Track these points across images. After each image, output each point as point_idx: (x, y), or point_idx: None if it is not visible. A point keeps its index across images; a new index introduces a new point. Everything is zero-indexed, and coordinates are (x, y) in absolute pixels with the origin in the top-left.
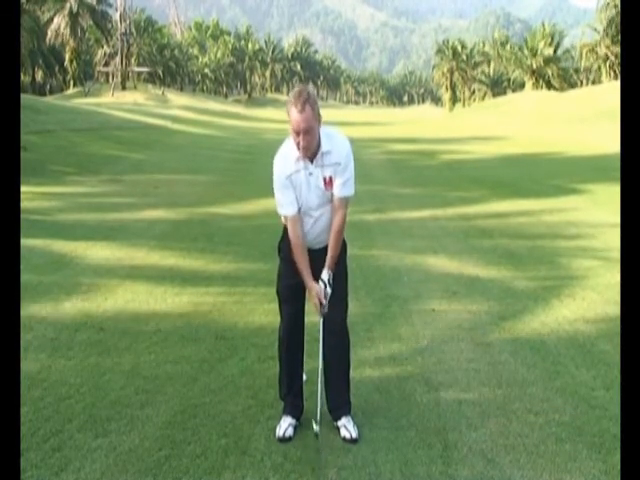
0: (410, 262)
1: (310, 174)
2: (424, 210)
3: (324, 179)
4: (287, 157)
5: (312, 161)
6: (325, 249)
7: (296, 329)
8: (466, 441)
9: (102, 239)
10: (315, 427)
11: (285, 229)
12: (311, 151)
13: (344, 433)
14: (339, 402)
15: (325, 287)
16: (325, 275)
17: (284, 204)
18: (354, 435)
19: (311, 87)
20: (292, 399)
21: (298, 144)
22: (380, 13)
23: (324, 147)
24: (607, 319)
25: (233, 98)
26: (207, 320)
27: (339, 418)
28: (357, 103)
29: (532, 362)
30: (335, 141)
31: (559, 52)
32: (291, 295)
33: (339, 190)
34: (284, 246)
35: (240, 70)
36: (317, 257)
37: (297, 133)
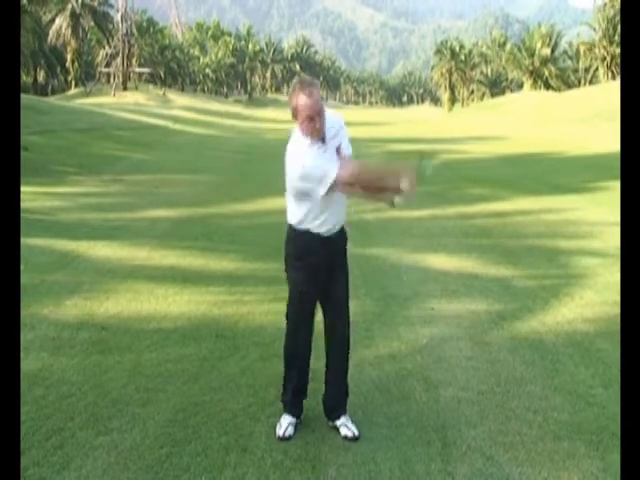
0: (409, 261)
1: (325, 152)
2: (423, 209)
3: (337, 149)
4: (303, 148)
5: (324, 141)
6: (339, 233)
7: (308, 336)
8: (465, 439)
9: (104, 238)
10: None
11: (291, 232)
12: (323, 131)
13: (345, 432)
14: (337, 402)
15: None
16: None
17: (325, 175)
18: (356, 433)
19: None
20: (294, 399)
21: (312, 129)
22: (379, 14)
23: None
24: (605, 318)
25: (234, 98)
26: (208, 319)
27: (338, 418)
28: (357, 103)
29: (531, 360)
30: (328, 114)
31: (557, 52)
32: (307, 304)
33: (346, 150)
34: (295, 246)
35: (241, 70)
36: (335, 243)
37: (311, 118)
